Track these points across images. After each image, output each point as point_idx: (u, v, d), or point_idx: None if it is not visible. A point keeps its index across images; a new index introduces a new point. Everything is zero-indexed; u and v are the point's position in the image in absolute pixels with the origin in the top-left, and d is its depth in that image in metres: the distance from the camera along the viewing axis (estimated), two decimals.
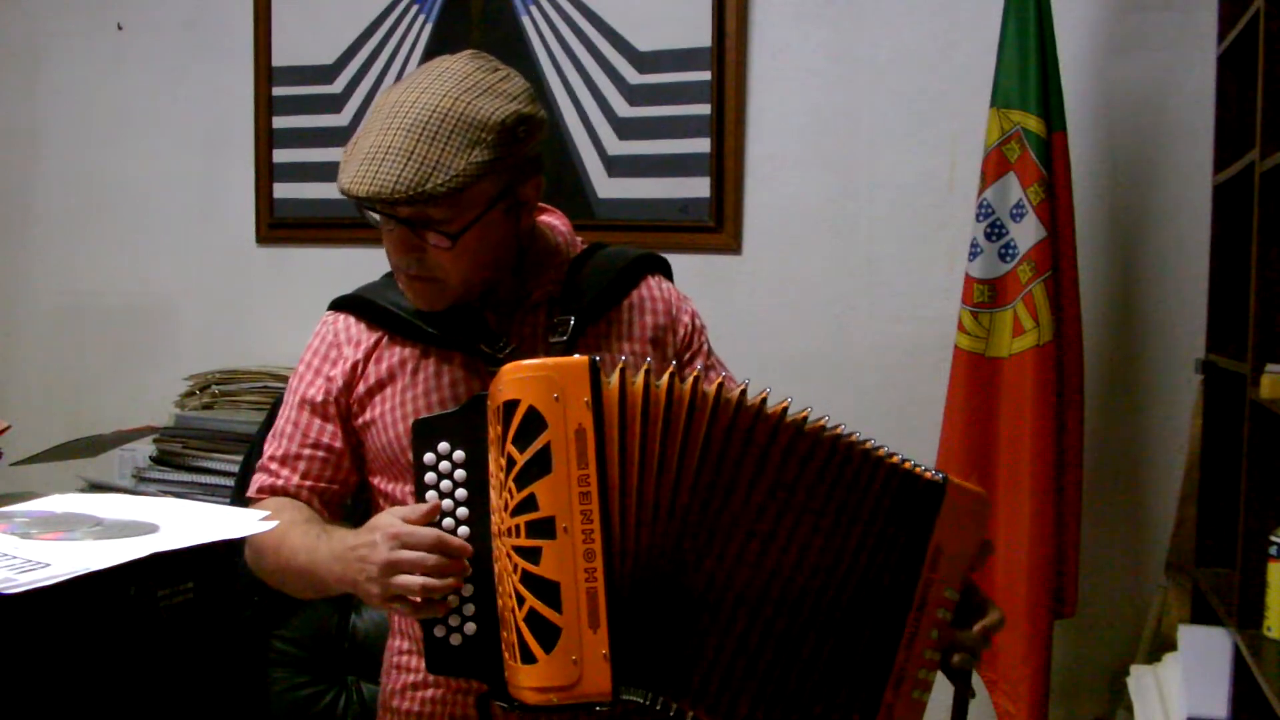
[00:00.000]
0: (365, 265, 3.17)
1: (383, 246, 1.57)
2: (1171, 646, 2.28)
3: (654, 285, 1.65)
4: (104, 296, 3.44)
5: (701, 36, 2.87)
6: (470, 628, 1.37)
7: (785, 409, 1.38)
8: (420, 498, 1.40)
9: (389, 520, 1.38)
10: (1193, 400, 2.53)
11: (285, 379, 2.98)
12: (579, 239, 1.67)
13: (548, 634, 1.30)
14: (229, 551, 1.62)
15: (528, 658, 1.31)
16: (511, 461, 1.33)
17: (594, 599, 1.30)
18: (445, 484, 1.39)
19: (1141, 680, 2.31)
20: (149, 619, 1.49)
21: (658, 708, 1.36)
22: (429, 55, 3.07)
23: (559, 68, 2.96)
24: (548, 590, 1.31)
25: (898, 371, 2.78)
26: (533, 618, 1.31)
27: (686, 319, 1.65)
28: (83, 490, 2.70)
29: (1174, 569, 2.52)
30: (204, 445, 2.90)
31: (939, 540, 1.40)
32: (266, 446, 1.62)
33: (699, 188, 2.90)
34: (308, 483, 1.59)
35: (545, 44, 2.98)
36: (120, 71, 3.39)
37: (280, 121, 3.23)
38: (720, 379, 1.38)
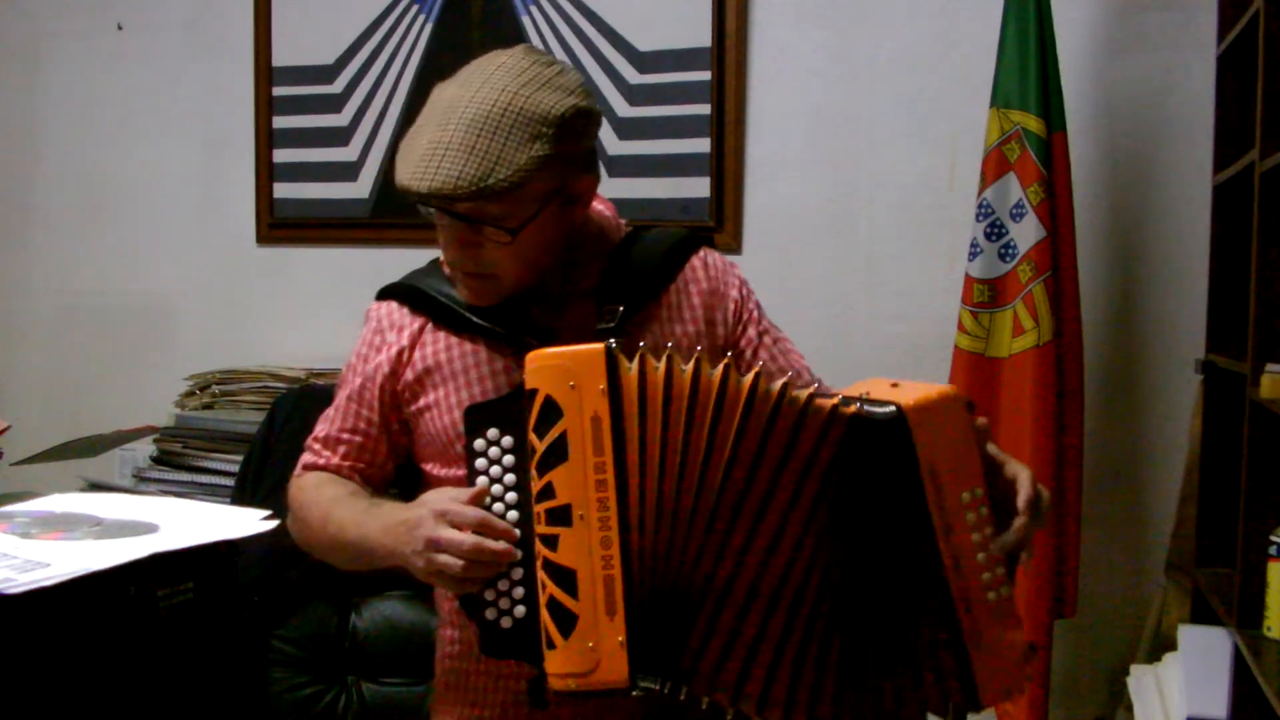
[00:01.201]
0: (365, 265, 3.19)
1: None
2: (1171, 646, 2.28)
3: (699, 263, 1.63)
4: (104, 296, 3.44)
5: (701, 36, 2.87)
6: (520, 611, 1.37)
7: (785, 387, 1.35)
8: (471, 483, 1.41)
9: (438, 498, 1.40)
10: (1193, 400, 2.53)
11: (285, 379, 3.00)
12: (623, 223, 1.67)
13: (566, 621, 1.31)
14: (229, 551, 1.62)
15: (549, 644, 1.33)
16: (533, 449, 1.34)
17: (610, 586, 1.31)
18: (495, 469, 1.40)
19: (1141, 680, 2.31)
20: (149, 619, 1.49)
21: (681, 697, 1.35)
22: (429, 55, 3.08)
23: None
24: (565, 577, 1.32)
25: (898, 371, 2.74)
26: (553, 604, 1.32)
27: (734, 291, 1.63)
28: (83, 490, 2.70)
29: (1174, 569, 2.52)
30: (204, 445, 2.90)
31: (927, 462, 1.36)
32: (316, 426, 1.65)
33: (699, 188, 2.90)
34: (348, 463, 1.61)
35: (545, 44, 2.98)
36: (120, 71, 3.39)
37: (280, 121, 3.23)
38: (757, 367, 1.37)
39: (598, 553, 1.32)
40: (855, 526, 1.37)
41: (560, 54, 2.96)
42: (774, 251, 2.89)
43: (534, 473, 1.34)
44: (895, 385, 1.40)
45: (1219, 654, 2.10)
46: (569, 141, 1.44)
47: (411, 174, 1.44)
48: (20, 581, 1.33)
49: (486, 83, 1.44)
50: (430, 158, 1.42)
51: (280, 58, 3.22)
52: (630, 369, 1.34)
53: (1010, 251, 2.47)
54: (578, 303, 1.56)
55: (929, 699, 1.37)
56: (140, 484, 2.91)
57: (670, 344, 1.44)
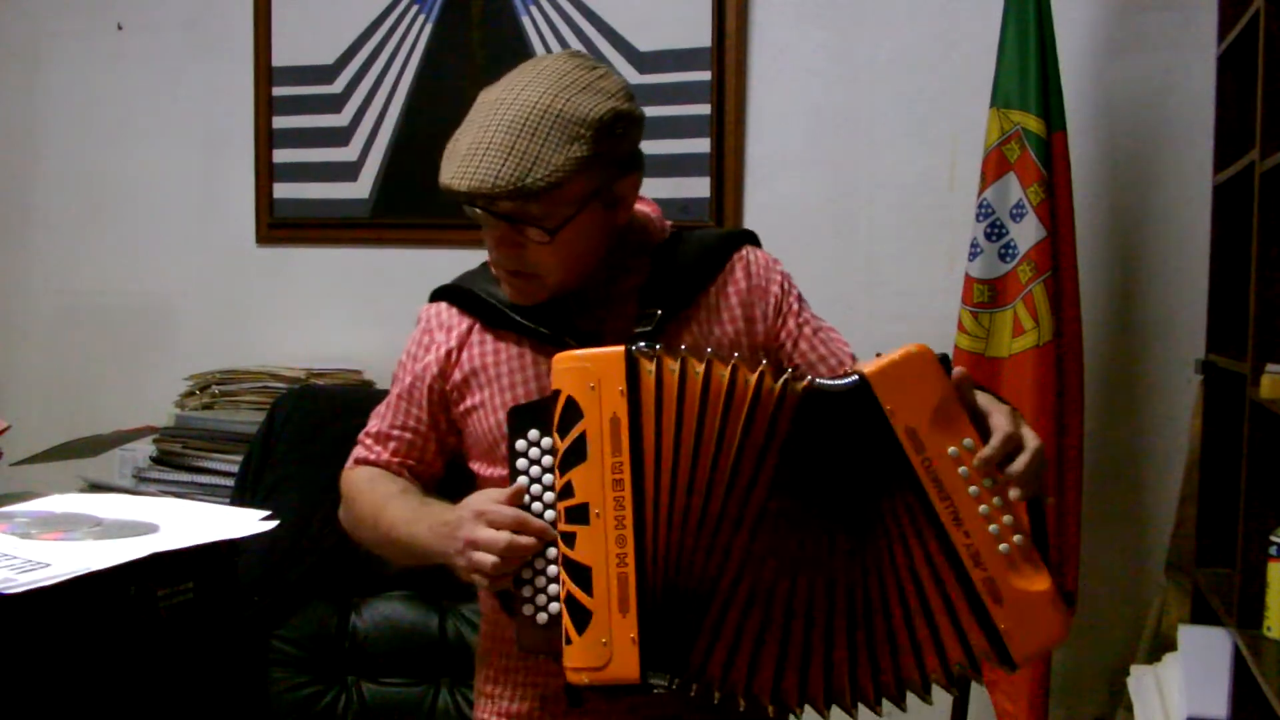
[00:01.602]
0: (365, 265, 3.19)
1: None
2: (1171, 646, 2.28)
3: (741, 262, 1.65)
4: (104, 296, 3.44)
5: (701, 36, 2.87)
6: (554, 608, 1.40)
7: (784, 383, 1.37)
8: (513, 483, 1.45)
9: (478, 498, 1.45)
10: (1193, 400, 2.53)
11: (285, 379, 3.00)
12: (668, 224, 1.69)
13: (581, 616, 1.35)
14: (229, 551, 1.62)
15: (567, 639, 1.36)
16: (555, 449, 1.39)
17: (624, 584, 1.35)
18: (534, 470, 1.43)
19: (1141, 680, 2.31)
20: (149, 619, 1.49)
21: (691, 693, 1.37)
22: (429, 55, 3.08)
23: None
24: (581, 574, 1.36)
25: None
26: (570, 600, 1.36)
27: (775, 288, 1.65)
28: (83, 490, 2.70)
29: (1174, 569, 2.52)
30: (204, 445, 2.89)
31: (901, 425, 1.36)
32: (370, 421, 1.69)
33: (699, 188, 2.90)
34: (397, 459, 1.66)
35: (545, 44, 2.98)
36: (120, 71, 3.39)
37: (280, 121, 3.23)
38: (765, 366, 1.38)
39: (613, 551, 1.35)
40: (845, 503, 1.38)
41: None
42: (774, 252, 2.82)
43: (556, 472, 1.39)
44: (878, 356, 1.42)
45: (1219, 654, 2.10)
46: (608, 144, 1.47)
47: (453, 174, 1.47)
48: (20, 581, 1.33)
49: (528, 86, 1.48)
50: (471, 158, 1.45)
51: (280, 58, 3.22)
52: (649, 371, 1.37)
53: (1010, 252, 2.47)
54: (622, 304, 1.59)
55: (957, 660, 1.37)
56: (140, 484, 2.91)
57: (710, 345, 1.50)
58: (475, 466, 1.64)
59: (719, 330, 1.59)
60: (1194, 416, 2.50)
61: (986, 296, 2.49)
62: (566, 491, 1.37)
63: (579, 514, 1.36)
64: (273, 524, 1.66)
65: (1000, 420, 1.39)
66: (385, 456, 1.65)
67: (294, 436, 2.51)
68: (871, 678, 1.39)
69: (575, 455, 1.37)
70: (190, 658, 1.56)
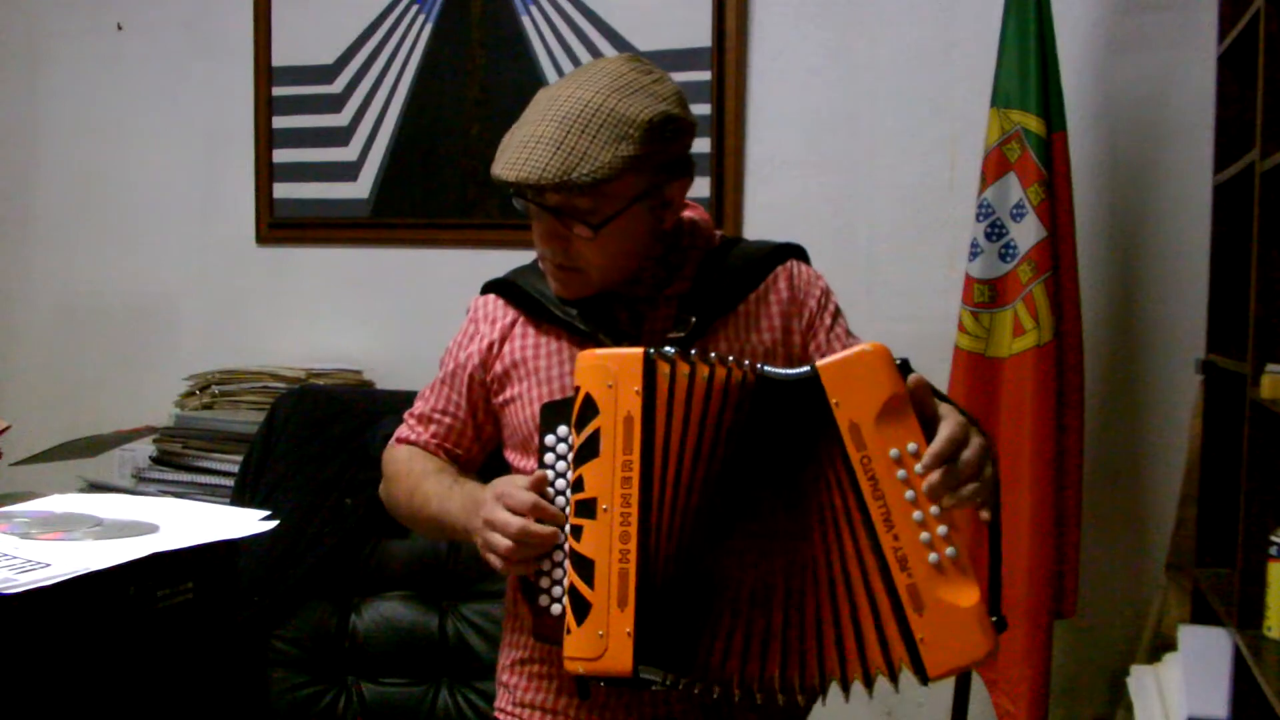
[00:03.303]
0: (365, 265, 3.19)
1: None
2: (1171, 646, 2.28)
3: (785, 274, 1.67)
4: (104, 296, 3.44)
5: (701, 36, 2.87)
6: (568, 600, 1.42)
7: (743, 372, 1.42)
8: None
9: (502, 482, 1.49)
10: (1193, 400, 2.53)
11: (285, 379, 3.00)
12: (717, 233, 1.72)
13: (581, 607, 1.38)
14: (229, 551, 1.62)
15: (567, 629, 1.39)
16: (571, 444, 1.42)
17: (625, 579, 1.37)
18: (561, 464, 1.46)
19: (1141, 680, 2.31)
20: (149, 619, 1.49)
21: (680, 687, 1.39)
22: (429, 55, 3.08)
23: (559, 68, 2.96)
24: (585, 566, 1.38)
25: None
26: (573, 592, 1.38)
27: (813, 302, 1.68)
28: (83, 490, 2.70)
29: (1174, 569, 2.52)
30: (204, 445, 2.90)
31: (845, 419, 1.37)
32: (416, 401, 1.75)
33: (699, 188, 2.88)
34: (435, 441, 1.71)
35: (545, 44, 2.98)
36: (120, 71, 3.39)
37: (280, 121, 3.23)
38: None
39: (616, 546, 1.37)
40: (790, 492, 1.41)
41: (560, 54, 2.96)
42: None
43: (571, 466, 1.41)
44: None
45: (1219, 654, 2.10)
46: (657, 146, 1.51)
47: (504, 165, 1.51)
48: (20, 581, 1.33)
49: (584, 84, 1.52)
50: (522, 149, 1.49)
51: (280, 58, 3.22)
52: (665, 373, 1.40)
53: (1010, 251, 2.47)
54: (666, 307, 1.62)
55: (876, 663, 1.38)
56: (140, 484, 2.92)
57: (744, 353, 1.55)
58: (510, 456, 1.68)
59: (755, 339, 1.62)
60: (1194, 416, 2.50)
61: (987, 296, 2.49)
62: (578, 485, 1.40)
63: (587, 508, 1.39)
64: (273, 524, 1.66)
65: (947, 426, 1.38)
66: (425, 438, 1.71)
67: (294, 436, 2.51)
68: (799, 670, 1.40)
69: (589, 451, 1.40)
70: (190, 658, 1.56)
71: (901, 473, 1.36)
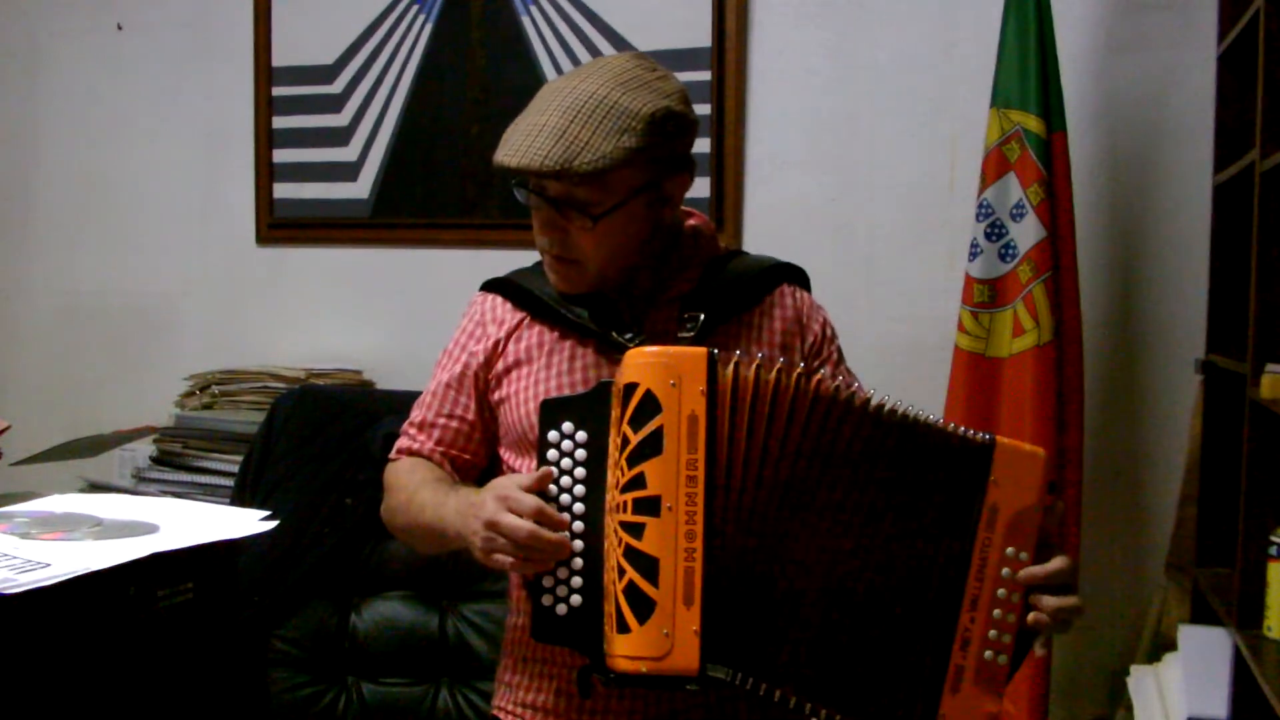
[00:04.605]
0: (365, 265, 3.19)
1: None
2: (1171, 646, 2.28)
3: (788, 293, 1.69)
4: (104, 296, 3.44)
5: (701, 36, 2.87)
6: (576, 600, 1.43)
7: (868, 400, 1.43)
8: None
9: (502, 482, 1.47)
10: (1193, 400, 2.53)
11: (285, 379, 3.01)
12: (721, 244, 1.74)
13: (643, 606, 1.37)
14: (229, 551, 1.62)
15: (623, 627, 1.38)
16: (626, 441, 1.41)
17: (690, 577, 1.37)
18: (565, 461, 1.45)
19: (1141, 680, 2.31)
20: (149, 619, 1.49)
21: (747, 687, 1.40)
22: (429, 55, 3.08)
23: (559, 68, 2.96)
24: (647, 565, 1.38)
25: (898, 371, 2.77)
26: (630, 589, 1.38)
27: (817, 328, 1.69)
28: (83, 490, 2.70)
29: (1174, 569, 2.52)
30: (204, 445, 2.90)
31: (993, 500, 1.42)
32: (413, 411, 1.72)
33: (699, 187, 2.88)
34: (440, 448, 1.68)
35: (545, 44, 2.98)
36: (120, 71, 3.39)
37: (280, 121, 3.23)
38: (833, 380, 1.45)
39: (682, 545, 1.38)
40: (912, 536, 1.43)
41: (560, 54, 2.96)
42: (774, 252, 2.82)
43: (624, 463, 1.40)
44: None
45: (1219, 654, 2.10)
46: (658, 140, 1.52)
47: (506, 151, 1.52)
48: (20, 581, 1.33)
49: (588, 78, 1.54)
50: (524, 137, 1.51)
51: (280, 58, 3.22)
52: (726, 374, 1.41)
53: (1010, 252, 2.47)
54: (663, 308, 1.63)
55: (899, 711, 1.42)
56: (140, 484, 2.92)
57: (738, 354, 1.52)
58: (505, 455, 1.68)
59: (755, 350, 1.62)
60: (1194, 416, 2.50)
61: (986, 296, 2.49)
62: (638, 483, 1.39)
63: (650, 506, 1.39)
64: (273, 524, 1.66)
65: (1062, 560, 1.44)
66: (429, 446, 1.68)
67: (294, 436, 2.51)
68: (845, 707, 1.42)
69: (650, 448, 1.39)
70: (190, 658, 1.56)
71: (1006, 570, 1.42)
